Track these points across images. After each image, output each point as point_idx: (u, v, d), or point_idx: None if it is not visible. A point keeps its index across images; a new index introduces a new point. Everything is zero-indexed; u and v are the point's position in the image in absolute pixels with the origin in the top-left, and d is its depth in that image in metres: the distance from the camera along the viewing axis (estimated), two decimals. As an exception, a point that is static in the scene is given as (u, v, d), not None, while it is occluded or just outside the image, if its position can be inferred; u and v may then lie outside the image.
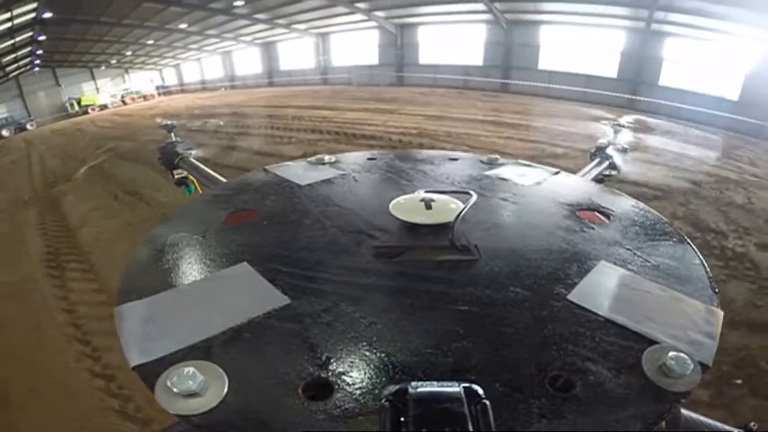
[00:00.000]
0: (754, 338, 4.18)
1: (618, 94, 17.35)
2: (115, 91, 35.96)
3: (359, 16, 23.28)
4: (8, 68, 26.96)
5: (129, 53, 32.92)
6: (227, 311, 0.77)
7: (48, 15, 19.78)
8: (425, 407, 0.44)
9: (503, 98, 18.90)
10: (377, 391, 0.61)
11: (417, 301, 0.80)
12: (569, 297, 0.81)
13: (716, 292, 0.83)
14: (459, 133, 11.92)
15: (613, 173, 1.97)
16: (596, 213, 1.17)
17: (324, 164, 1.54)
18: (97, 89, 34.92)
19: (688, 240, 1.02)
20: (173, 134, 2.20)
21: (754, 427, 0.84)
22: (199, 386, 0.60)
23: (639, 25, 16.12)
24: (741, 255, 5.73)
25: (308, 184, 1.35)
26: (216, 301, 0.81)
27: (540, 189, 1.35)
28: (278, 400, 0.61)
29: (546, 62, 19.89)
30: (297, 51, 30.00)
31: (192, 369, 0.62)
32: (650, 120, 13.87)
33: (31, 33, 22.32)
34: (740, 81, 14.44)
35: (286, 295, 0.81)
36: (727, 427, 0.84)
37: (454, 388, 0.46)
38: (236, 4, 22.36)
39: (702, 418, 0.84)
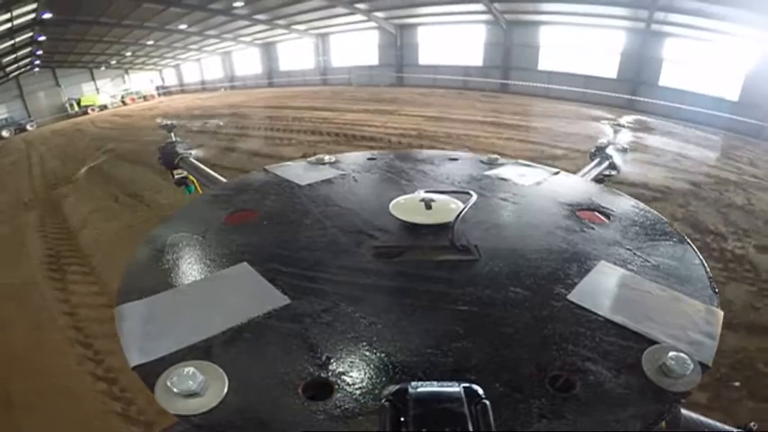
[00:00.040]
0: (752, 341, 4.18)
1: (618, 95, 17.36)
2: (115, 91, 36.00)
3: (359, 17, 23.29)
4: (8, 69, 26.98)
5: (128, 54, 32.94)
6: (227, 311, 0.77)
7: (47, 16, 19.80)
8: (425, 407, 0.44)
9: (502, 99, 18.91)
10: (377, 391, 0.61)
11: (417, 301, 0.80)
12: (569, 297, 0.81)
13: (716, 292, 0.83)
14: (459, 134, 11.93)
15: (613, 173, 1.97)
16: (596, 213, 1.17)
17: (324, 164, 1.54)
18: (97, 90, 34.95)
19: (688, 240, 1.02)
20: (173, 134, 2.20)
21: (754, 427, 0.84)
22: (199, 386, 0.60)
23: (639, 26, 16.13)
24: (740, 257, 5.73)
25: (308, 184, 1.35)
26: (216, 301, 0.81)
27: (540, 189, 1.35)
28: (278, 400, 0.61)
29: (546, 62, 19.90)
30: (296, 52, 30.01)
31: (191, 369, 0.62)
32: (650, 120, 13.89)
33: (31, 34, 22.33)
34: (740, 81, 14.45)
35: (286, 295, 0.81)
36: (727, 427, 0.85)
37: (454, 388, 0.46)
38: (235, 4, 22.38)
39: (702, 418, 0.84)
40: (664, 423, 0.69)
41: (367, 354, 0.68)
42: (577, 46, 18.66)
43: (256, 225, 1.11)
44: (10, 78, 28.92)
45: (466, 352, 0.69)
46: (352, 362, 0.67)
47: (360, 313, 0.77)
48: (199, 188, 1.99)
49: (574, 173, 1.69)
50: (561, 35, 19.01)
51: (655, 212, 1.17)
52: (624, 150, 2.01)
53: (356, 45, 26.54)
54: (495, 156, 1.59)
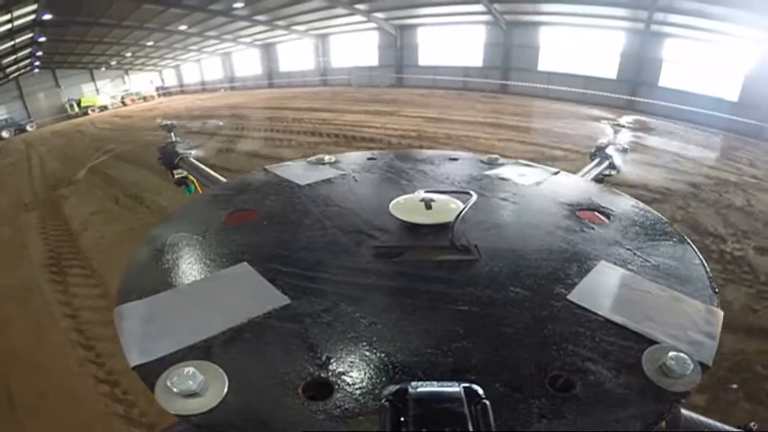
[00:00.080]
0: (750, 343, 4.18)
1: (617, 96, 17.36)
2: (115, 92, 36.02)
3: (358, 17, 23.30)
4: (8, 70, 26.99)
5: (128, 54, 32.96)
6: (227, 311, 0.77)
7: (47, 17, 19.81)
8: (425, 407, 0.44)
9: (502, 99, 18.92)
10: (377, 391, 0.61)
11: (417, 301, 0.80)
12: (569, 297, 0.81)
13: (716, 292, 0.83)
14: (459, 136, 11.93)
15: (613, 173, 1.97)
16: (596, 213, 1.17)
17: (324, 164, 1.54)
18: (97, 90, 34.96)
19: (688, 240, 1.02)
20: (173, 134, 2.20)
21: (754, 427, 0.84)
22: (199, 386, 0.60)
23: (639, 26, 16.14)
24: (739, 258, 5.72)
25: (308, 184, 1.35)
26: (216, 301, 0.81)
27: (540, 189, 1.35)
28: (278, 400, 0.60)
29: (545, 63, 19.90)
30: (296, 53, 30.02)
31: (191, 369, 0.61)
32: (650, 120, 13.89)
33: (31, 35, 22.35)
34: (740, 82, 14.45)
35: (286, 295, 0.81)
36: (727, 427, 0.84)
37: (454, 388, 0.46)
38: (235, 5, 22.40)
39: (702, 418, 0.84)
40: (664, 423, 0.69)
41: (367, 354, 0.68)
42: (577, 47, 18.67)
43: (256, 225, 1.11)
44: (10, 79, 28.92)
45: (466, 352, 0.69)
46: (352, 362, 0.67)
47: (360, 313, 0.77)
48: (199, 188, 1.99)
49: (574, 174, 1.69)
50: (561, 36, 19.02)
51: (655, 212, 1.17)
52: (624, 150, 2.01)
53: (356, 46, 26.54)
54: (495, 156, 1.59)
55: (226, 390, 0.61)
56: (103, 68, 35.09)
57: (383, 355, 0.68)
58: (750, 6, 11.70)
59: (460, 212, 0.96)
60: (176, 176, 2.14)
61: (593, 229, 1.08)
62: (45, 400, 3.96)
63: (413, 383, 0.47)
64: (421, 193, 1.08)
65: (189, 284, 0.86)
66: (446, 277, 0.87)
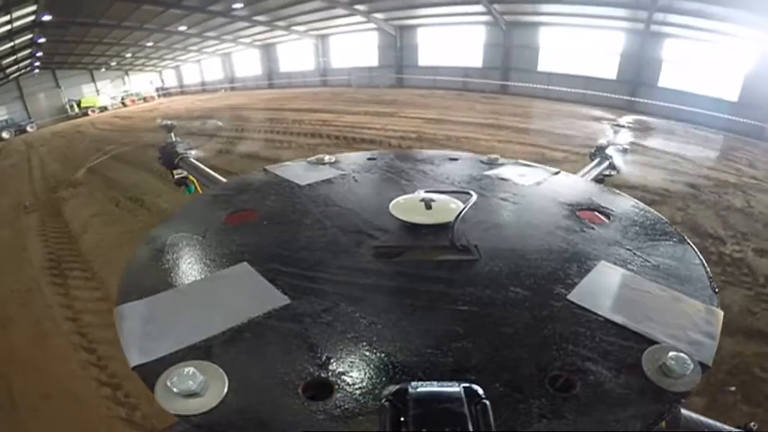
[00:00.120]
0: (749, 346, 4.17)
1: (617, 96, 17.35)
2: (115, 93, 36.01)
3: (358, 18, 23.31)
4: (8, 70, 27.00)
5: (128, 55, 32.97)
6: (227, 311, 0.77)
7: (47, 18, 19.81)
8: (425, 407, 0.44)
9: (502, 100, 18.92)
10: (377, 391, 0.61)
11: (417, 301, 0.80)
12: (569, 297, 0.81)
13: (716, 292, 0.83)
14: (459, 137, 11.93)
15: (613, 173, 1.97)
16: (596, 213, 1.17)
17: (324, 164, 1.54)
18: (97, 91, 34.97)
19: (688, 240, 1.02)
20: (173, 134, 2.20)
21: (754, 427, 0.84)
22: (199, 386, 0.60)
23: (639, 27, 16.14)
24: (738, 260, 5.71)
25: (308, 184, 1.35)
26: (216, 301, 0.81)
27: (540, 189, 1.35)
28: (278, 400, 0.60)
29: (545, 64, 19.90)
30: (296, 53, 30.02)
31: (191, 369, 0.61)
32: (650, 119, 13.89)
33: (30, 36, 22.35)
34: (739, 82, 14.45)
35: (286, 295, 0.81)
36: (727, 427, 0.84)
37: (454, 388, 0.46)
38: (235, 6, 22.41)
39: (702, 418, 0.84)
40: (664, 423, 0.69)
41: (367, 354, 0.68)
42: (577, 47, 18.67)
43: (256, 225, 1.11)
44: (10, 80, 28.94)
45: (466, 352, 0.69)
46: (352, 362, 0.67)
47: (360, 313, 0.77)
48: (199, 188, 1.99)
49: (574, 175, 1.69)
50: (561, 36, 19.02)
51: (655, 212, 1.17)
52: (624, 150, 2.01)
53: (356, 46, 26.55)
54: (496, 156, 1.59)
55: (226, 390, 0.61)
56: (103, 69, 35.11)
57: (383, 355, 0.68)
58: (750, 6, 11.70)
59: (460, 212, 0.96)
60: (176, 176, 2.14)
61: (593, 229, 1.08)
62: (47, 402, 3.96)
63: (413, 383, 0.47)
64: (421, 193, 1.08)
65: (189, 284, 0.86)
66: (446, 277, 0.87)
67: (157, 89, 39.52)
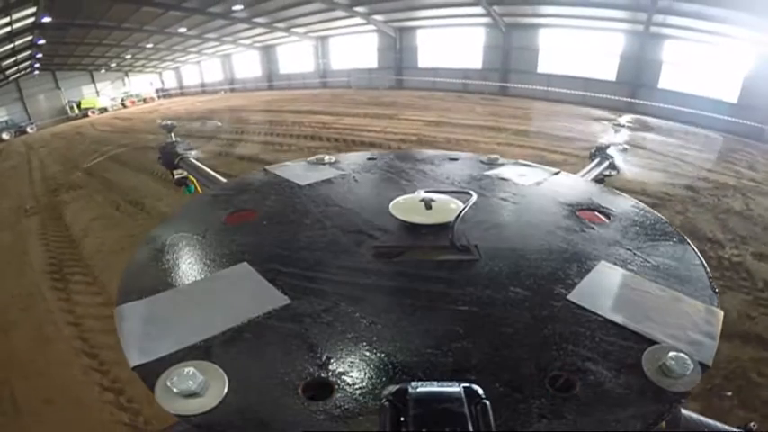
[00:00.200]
0: (746, 350, 4.15)
1: (617, 97, 17.39)
2: (115, 94, 36.09)
3: (358, 20, 23.36)
4: (8, 72, 27.03)
5: (128, 56, 33.03)
6: (227, 311, 0.76)
7: (47, 20, 19.84)
8: (425, 407, 0.44)
9: (502, 102, 18.93)
10: (377, 391, 0.61)
11: (417, 301, 0.80)
12: (569, 297, 0.81)
13: (716, 292, 0.83)
14: (459, 140, 11.94)
15: (613, 173, 1.98)
16: (596, 213, 1.17)
17: (324, 164, 1.54)
18: (97, 92, 35.03)
19: (688, 240, 1.02)
20: (173, 134, 2.20)
21: (754, 427, 0.84)
22: (199, 386, 0.60)
23: (638, 28, 16.19)
24: (737, 264, 5.69)
25: (308, 185, 1.35)
26: (216, 301, 0.81)
27: (540, 189, 1.35)
28: (278, 400, 0.60)
29: (545, 65, 19.96)
30: (296, 55, 30.09)
31: (191, 369, 0.61)
32: (650, 120, 13.89)
33: (30, 37, 22.40)
34: (739, 84, 14.49)
35: (286, 295, 0.81)
36: (727, 427, 0.84)
37: (454, 388, 0.46)
38: (235, 8, 22.44)
39: (702, 418, 0.84)
40: (664, 423, 0.69)
41: (367, 354, 0.68)
42: (576, 49, 18.72)
43: (256, 225, 1.11)
44: (10, 81, 28.99)
45: (466, 352, 0.68)
46: (352, 362, 0.67)
47: (360, 313, 0.77)
48: (199, 188, 1.99)
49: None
50: (560, 38, 19.08)
51: (654, 212, 1.17)
52: (624, 150, 2.02)
53: (356, 48, 26.61)
54: (496, 156, 1.59)
55: (226, 390, 0.61)
56: (103, 70, 35.16)
57: (383, 355, 0.68)
58: (749, 8, 11.73)
59: (460, 212, 0.96)
60: (176, 177, 2.14)
61: (593, 229, 1.08)
62: (50, 407, 3.95)
63: (413, 383, 0.47)
64: (421, 194, 1.08)
65: (189, 284, 0.86)
66: (446, 277, 0.87)
67: (157, 90, 39.58)
